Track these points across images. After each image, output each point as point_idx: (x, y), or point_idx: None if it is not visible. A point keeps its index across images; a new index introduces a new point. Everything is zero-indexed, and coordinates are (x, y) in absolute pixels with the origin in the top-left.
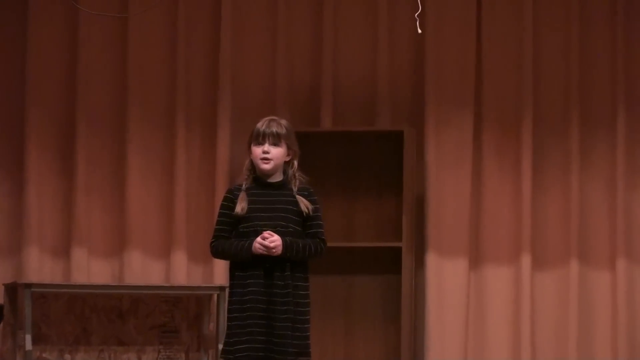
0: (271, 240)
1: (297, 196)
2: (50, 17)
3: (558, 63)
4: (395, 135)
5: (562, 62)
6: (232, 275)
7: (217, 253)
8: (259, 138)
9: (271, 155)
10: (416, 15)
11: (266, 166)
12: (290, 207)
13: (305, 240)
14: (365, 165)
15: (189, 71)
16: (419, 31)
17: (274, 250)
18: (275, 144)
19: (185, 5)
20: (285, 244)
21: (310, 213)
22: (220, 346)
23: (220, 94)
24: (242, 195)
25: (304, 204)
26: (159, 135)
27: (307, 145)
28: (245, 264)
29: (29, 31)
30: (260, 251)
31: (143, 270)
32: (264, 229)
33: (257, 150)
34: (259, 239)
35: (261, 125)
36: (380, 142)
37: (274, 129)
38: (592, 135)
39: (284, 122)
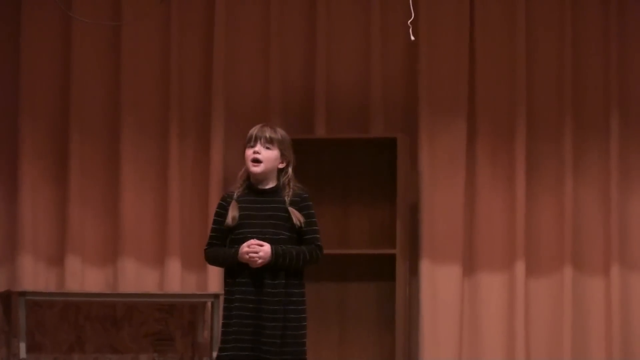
0: (256, 250)
1: (290, 208)
2: (44, 26)
3: (551, 70)
4: (388, 142)
5: (556, 69)
6: (224, 282)
7: (210, 260)
8: (251, 141)
9: (262, 157)
10: (409, 22)
11: (256, 169)
12: (281, 213)
13: (300, 248)
14: (358, 172)
15: (182, 79)
16: (412, 38)
17: (259, 261)
18: (267, 147)
19: (178, 14)
20: (276, 253)
21: (303, 224)
22: (215, 354)
23: (214, 102)
24: (233, 204)
25: (296, 217)
26: (152, 143)
27: (300, 152)
28: (235, 271)
29: (22, 40)
30: (246, 258)
31: (137, 278)
32: (253, 236)
33: (249, 152)
34: (244, 246)
35: (254, 129)
36: (373, 150)
37: (267, 133)
38: (586, 142)
39: (279, 129)
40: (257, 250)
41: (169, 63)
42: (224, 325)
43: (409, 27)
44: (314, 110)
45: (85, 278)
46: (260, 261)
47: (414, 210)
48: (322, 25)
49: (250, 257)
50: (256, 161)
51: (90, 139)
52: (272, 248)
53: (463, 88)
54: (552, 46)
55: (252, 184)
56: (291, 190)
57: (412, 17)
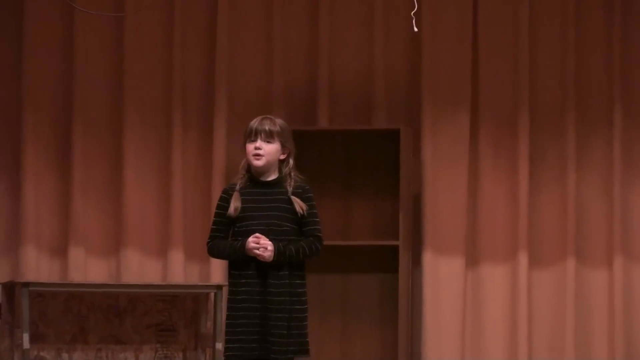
0: (265, 245)
1: (292, 197)
2: (46, 17)
3: (554, 61)
4: (391, 133)
5: (559, 60)
6: (229, 274)
7: (213, 253)
8: (252, 135)
9: (263, 152)
10: (412, 13)
11: (258, 162)
12: (284, 205)
13: (299, 244)
14: (361, 164)
15: (185, 71)
16: (415, 29)
17: (265, 255)
18: (268, 141)
19: (181, 6)
20: (278, 250)
21: (305, 214)
22: (218, 345)
23: (217, 94)
24: (236, 195)
25: (299, 205)
26: (155, 135)
27: (303, 144)
28: (240, 263)
29: (25, 32)
30: (254, 251)
31: (140, 269)
32: (258, 228)
33: (250, 147)
34: (251, 239)
35: (254, 122)
36: (376, 141)
37: (267, 126)
38: (589, 133)
39: (278, 120)
40: (266, 245)
41: (171, 55)
42: (230, 317)
43: (412, 19)
44: (317, 102)
45: (88, 269)
46: (267, 257)
47: (417, 202)
48: (325, 16)
49: (261, 251)
50: (258, 155)
51: (93, 131)
52: (275, 246)
53: (466, 80)
54: (556, 38)
55: (253, 176)
56: (292, 180)
57: (416, 8)
